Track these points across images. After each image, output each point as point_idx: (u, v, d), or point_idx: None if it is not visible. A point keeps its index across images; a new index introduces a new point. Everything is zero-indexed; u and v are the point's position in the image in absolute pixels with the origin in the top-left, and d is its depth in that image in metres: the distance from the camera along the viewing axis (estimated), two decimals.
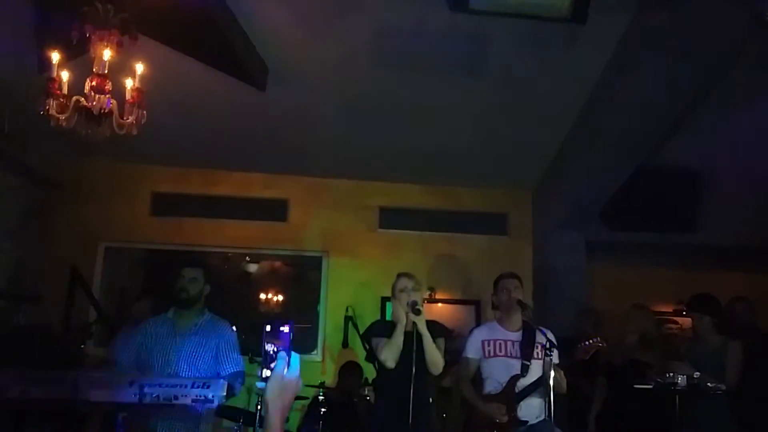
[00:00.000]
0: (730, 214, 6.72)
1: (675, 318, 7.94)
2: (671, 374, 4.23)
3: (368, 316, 6.57)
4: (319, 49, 5.19)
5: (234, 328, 4.05)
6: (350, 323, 6.47)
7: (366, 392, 5.82)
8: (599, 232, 6.82)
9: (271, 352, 1.60)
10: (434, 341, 3.86)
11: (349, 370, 6.01)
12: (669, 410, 4.25)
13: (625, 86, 5.08)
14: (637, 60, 4.83)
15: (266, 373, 1.59)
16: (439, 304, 6.97)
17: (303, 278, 7.51)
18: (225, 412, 4.92)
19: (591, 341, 4.05)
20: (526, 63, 5.20)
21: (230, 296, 7.26)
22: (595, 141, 5.85)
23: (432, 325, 3.93)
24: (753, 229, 6.94)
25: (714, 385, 4.27)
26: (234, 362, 3.89)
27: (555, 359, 3.90)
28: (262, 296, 7.53)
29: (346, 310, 6.58)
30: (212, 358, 3.84)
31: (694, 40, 4.14)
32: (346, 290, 6.93)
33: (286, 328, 1.60)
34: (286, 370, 1.60)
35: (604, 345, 4.11)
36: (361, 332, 5.39)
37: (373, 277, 6.75)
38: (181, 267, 3.94)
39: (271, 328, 1.61)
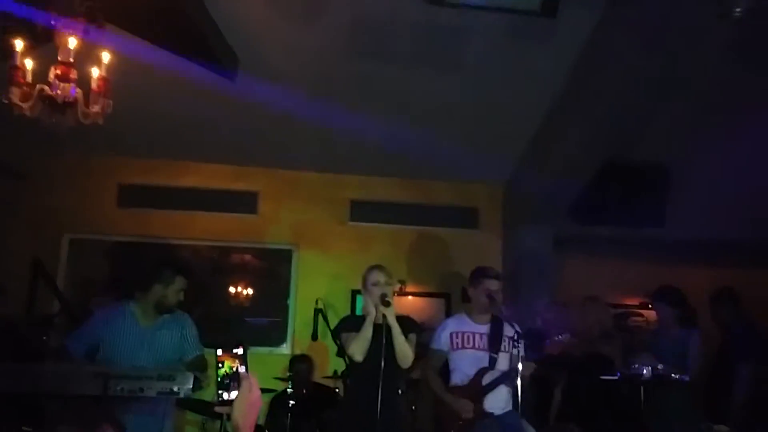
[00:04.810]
0: (698, 209, 6.83)
1: (641, 311, 8.05)
2: (636, 366, 4.30)
3: (339, 309, 6.56)
4: (292, 40, 5.15)
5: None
6: (320, 316, 6.44)
7: (336, 385, 5.82)
8: (569, 227, 6.88)
9: (230, 375, 1.56)
10: (406, 337, 3.84)
11: (297, 362, 6.01)
12: (634, 401, 4.31)
13: (595, 81, 5.12)
14: (607, 55, 4.87)
15: (226, 396, 1.56)
16: (410, 297, 6.97)
17: (273, 271, 7.46)
18: (191, 404, 4.89)
19: (562, 335, 4.09)
20: (500, 57, 5.23)
21: (199, 290, 7.17)
22: (566, 136, 5.90)
23: (403, 320, 3.90)
24: (719, 223, 7.06)
25: (678, 376, 4.34)
26: (197, 347, 4.02)
27: (521, 351, 3.93)
28: (232, 290, 7.46)
29: (316, 303, 6.55)
30: (178, 349, 3.89)
31: (664, 34, 4.19)
32: (317, 283, 6.88)
33: (240, 350, 1.58)
34: (249, 390, 1.60)
35: (575, 340, 4.15)
36: (331, 326, 5.37)
37: (343, 270, 6.73)
38: (175, 273, 3.97)
39: (223, 352, 1.58)
